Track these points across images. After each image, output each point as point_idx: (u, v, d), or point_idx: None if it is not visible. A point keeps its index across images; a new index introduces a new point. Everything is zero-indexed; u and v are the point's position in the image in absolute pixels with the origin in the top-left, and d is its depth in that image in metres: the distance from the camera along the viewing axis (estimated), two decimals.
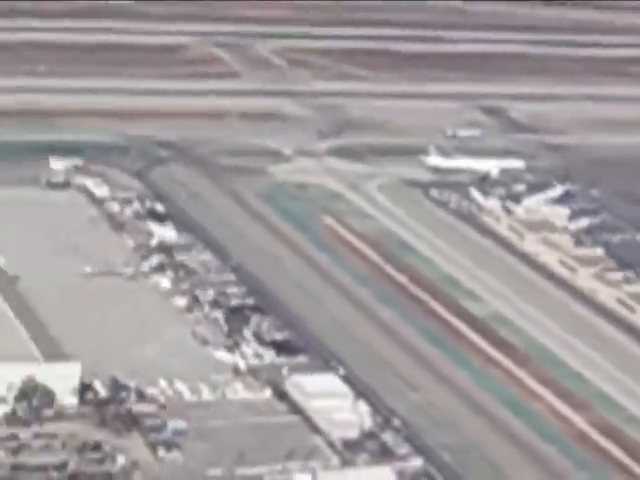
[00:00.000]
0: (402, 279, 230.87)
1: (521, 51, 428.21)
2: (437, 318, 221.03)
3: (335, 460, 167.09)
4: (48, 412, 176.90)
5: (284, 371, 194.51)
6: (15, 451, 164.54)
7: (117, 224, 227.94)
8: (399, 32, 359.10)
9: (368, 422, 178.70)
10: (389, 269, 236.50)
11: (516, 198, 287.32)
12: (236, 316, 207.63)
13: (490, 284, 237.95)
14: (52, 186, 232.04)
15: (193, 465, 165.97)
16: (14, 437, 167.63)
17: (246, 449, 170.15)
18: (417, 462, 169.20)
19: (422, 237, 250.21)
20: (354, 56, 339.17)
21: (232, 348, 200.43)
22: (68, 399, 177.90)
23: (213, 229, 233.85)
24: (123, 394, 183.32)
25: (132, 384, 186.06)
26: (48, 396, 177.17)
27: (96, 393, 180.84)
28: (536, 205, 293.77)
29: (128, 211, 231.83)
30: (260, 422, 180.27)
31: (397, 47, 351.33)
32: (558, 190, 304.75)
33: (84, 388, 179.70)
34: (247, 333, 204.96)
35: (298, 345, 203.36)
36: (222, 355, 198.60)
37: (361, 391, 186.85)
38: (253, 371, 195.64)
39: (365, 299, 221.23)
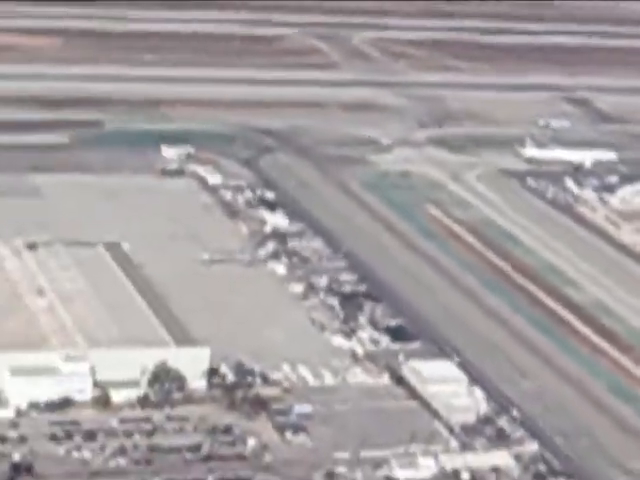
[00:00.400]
0: (506, 267, 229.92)
1: (605, 44, 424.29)
2: (542, 306, 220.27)
3: (454, 444, 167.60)
4: (178, 395, 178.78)
5: (400, 357, 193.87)
6: (150, 433, 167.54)
7: (231, 211, 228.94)
8: (490, 24, 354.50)
9: (484, 407, 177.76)
10: (492, 257, 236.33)
11: (610, 189, 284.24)
12: (350, 303, 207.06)
13: (590, 273, 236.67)
14: (166, 173, 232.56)
15: (320, 448, 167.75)
16: (148, 420, 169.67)
17: (369, 432, 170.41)
18: (533, 446, 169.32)
19: (522, 226, 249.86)
20: (447, 47, 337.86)
21: (349, 334, 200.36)
22: (197, 383, 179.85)
23: (322, 217, 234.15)
24: (249, 378, 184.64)
25: (257, 368, 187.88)
26: (179, 380, 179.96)
27: (223, 377, 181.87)
28: (630, 196, 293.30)
29: (240, 199, 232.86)
30: (380, 407, 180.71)
31: (488, 39, 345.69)
32: None
33: (212, 372, 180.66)
34: (362, 319, 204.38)
35: (411, 332, 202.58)
36: (340, 341, 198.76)
37: (475, 377, 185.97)
38: (370, 356, 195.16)
39: (472, 286, 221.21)
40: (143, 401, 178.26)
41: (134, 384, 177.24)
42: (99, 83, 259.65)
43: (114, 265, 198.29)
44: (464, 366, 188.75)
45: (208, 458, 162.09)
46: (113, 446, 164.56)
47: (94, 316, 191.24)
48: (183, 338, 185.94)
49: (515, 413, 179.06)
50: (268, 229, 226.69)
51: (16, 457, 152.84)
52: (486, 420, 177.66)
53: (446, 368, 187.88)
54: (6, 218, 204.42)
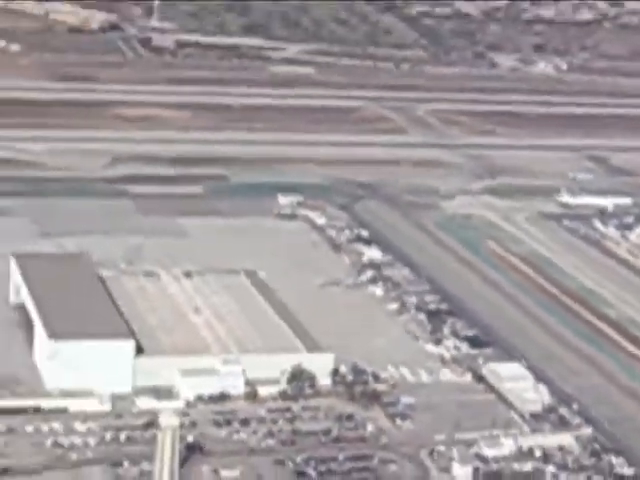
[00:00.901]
0: (553, 289, 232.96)
1: (615, 112, 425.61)
2: (584, 321, 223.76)
3: (526, 428, 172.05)
4: (310, 391, 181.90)
5: (479, 360, 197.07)
6: (291, 420, 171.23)
7: (335, 246, 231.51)
8: (520, 98, 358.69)
9: (547, 400, 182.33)
10: (542, 282, 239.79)
11: (629, 227, 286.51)
12: (435, 318, 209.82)
13: (619, 294, 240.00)
14: (282, 217, 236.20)
15: (423, 431, 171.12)
16: (288, 409, 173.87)
17: (459, 419, 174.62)
18: (588, 430, 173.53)
19: (561, 257, 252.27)
20: (491, 117, 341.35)
21: (437, 342, 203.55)
22: (324, 381, 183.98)
23: (407, 250, 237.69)
24: (364, 377, 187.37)
25: (369, 369, 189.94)
26: (310, 379, 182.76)
27: (344, 376, 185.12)
28: None
29: (342, 236, 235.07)
30: (466, 399, 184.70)
31: (523, 109, 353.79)
32: None
33: (335, 372, 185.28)
34: (446, 331, 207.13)
35: (485, 340, 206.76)
36: (430, 347, 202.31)
37: (539, 376, 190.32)
38: (455, 360, 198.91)
39: (528, 305, 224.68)
40: (283, 395, 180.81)
41: (276, 382, 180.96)
42: (223, 146, 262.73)
43: (253, 289, 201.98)
44: (529, 367, 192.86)
45: (337, 440, 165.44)
46: (263, 430, 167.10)
47: (242, 329, 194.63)
48: (312, 346, 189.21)
49: (574, 406, 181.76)
50: (365, 260, 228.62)
51: (189, 439, 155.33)
52: (549, 409, 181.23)
53: (516, 369, 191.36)
54: (163, 252, 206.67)
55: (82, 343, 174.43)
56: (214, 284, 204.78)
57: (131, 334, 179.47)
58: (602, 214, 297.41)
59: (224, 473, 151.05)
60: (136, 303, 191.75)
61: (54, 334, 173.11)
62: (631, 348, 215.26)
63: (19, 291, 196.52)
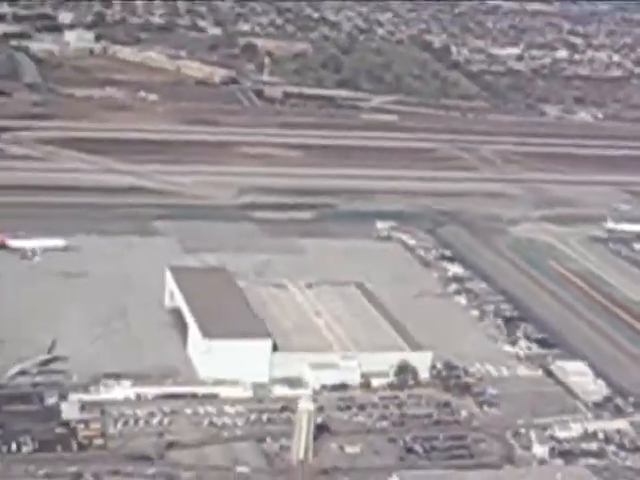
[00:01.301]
0: (605, 301, 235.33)
1: None
2: (633, 328, 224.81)
3: (589, 415, 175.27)
4: (412, 382, 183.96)
5: (549, 359, 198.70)
6: (399, 406, 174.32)
7: (425, 263, 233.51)
8: (566, 141, 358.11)
9: (605, 391, 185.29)
10: (596, 295, 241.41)
11: None
12: (510, 323, 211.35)
13: None
14: (380, 239, 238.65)
15: (506, 416, 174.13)
16: (396, 397, 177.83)
17: (535, 407, 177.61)
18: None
19: (609, 274, 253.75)
20: (542, 156, 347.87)
21: (513, 343, 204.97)
22: (424, 374, 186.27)
23: (483, 267, 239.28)
24: (456, 371, 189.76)
25: (460, 365, 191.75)
26: (413, 372, 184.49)
27: (440, 371, 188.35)
28: None
29: (430, 255, 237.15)
30: (540, 391, 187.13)
31: (567, 151, 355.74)
32: None
33: (433, 367, 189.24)
34: (519, 334, 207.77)
35: (552, 342, 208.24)
36: (507, 348, 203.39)
37: (598, 372, 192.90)
38: (528, 358, 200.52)
39: (586, 314, 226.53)
40: (391, 386, 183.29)
41: (385, 375, 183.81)
42: (329, 179, 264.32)
43: (363, 297, 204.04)
44: (590, 365, 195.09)
45: (437, 422, 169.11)
46: (377, 414, 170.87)
47: (356, 331, 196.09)
48: (414, 345, 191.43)
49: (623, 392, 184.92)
50: (450, 275, 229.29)
51: (319, 420, 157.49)
52: (607, 399, 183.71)
53: (579, 366, 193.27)
54: (287, 267, 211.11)
55: (230, 341, 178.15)
56: (330, 293, 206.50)
57: (268, 334, 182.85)
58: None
59: (348, 449, 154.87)
60: (269, 309, 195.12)
61: (207, 334, 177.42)
62: None
63: (173, 297, 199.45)
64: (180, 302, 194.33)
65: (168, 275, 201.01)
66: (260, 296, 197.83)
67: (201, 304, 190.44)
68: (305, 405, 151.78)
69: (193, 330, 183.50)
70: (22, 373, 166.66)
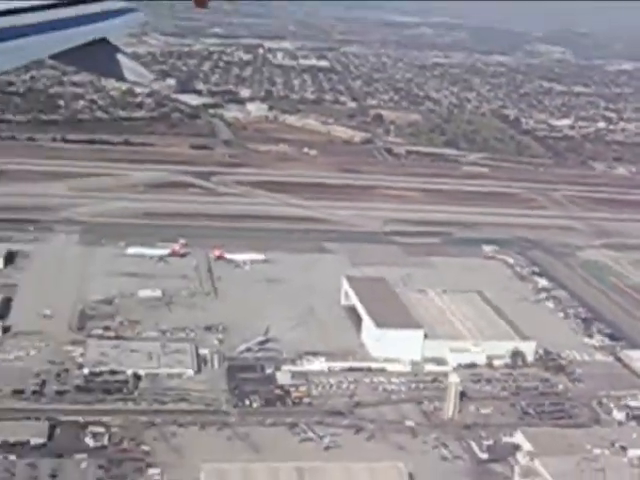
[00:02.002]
0: None
1: None
2: None
3: None
4: (522, 363, 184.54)
5: (617, 348, 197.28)
6: (514, 380, 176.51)
7: (521, 277, 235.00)
8: (613, 189, 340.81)
9: None
10: None
11: None
12: (586, 322, 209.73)
13: None
14: (488, 258, 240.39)
15: (591, 390, 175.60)
16: (511, 374, 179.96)
17: (611, 383, 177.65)
18: None
19: None
20: (597, 200, 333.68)
21: (590, 337, 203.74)
22: (530, 358, 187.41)
23: (563, 281, 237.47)
24: (553, 356, 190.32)
25: (554, 351, 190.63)
26: (523, 356, 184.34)
27: (541, 355, 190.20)
28: None
29: (524, 271, 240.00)
30: (612, 372, 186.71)
31: (616, 196, 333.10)
32: None
33: (535, 353, 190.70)
34: (594, 329, 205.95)
35: (619, 336, 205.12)
36: (587, 340, 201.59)
37: None
38: (602, 348, 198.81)
39: None
40: (507, 366, 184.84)
41: (503, 357, 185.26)
42: (446, 214, 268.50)
43: (483, 302, 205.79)
44: None
45: (542, 393, 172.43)
46: (499, 386, 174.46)
47: (481, 325, 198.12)
48: (523, 336, 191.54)
49: None
50: (540, 286, 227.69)
51: (459, 389, 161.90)
52: None
53: None
54: (424, 279, 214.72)
55: (395, 330, 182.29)
56: (459, 298, 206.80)
57: (420, 326, 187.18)
58: None
59: (482, 410, 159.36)
60: (417, 308, 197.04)
61: (379, 324, 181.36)
62: None
63: (348, 298, 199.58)
64: (355, 301, 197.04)
65: (344, 282, 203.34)
66: (409, 299, 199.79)
67: (370, 303, 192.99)
68: (453, 378, 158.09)
69: (366, 322, 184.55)
70: (247, 350, 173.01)
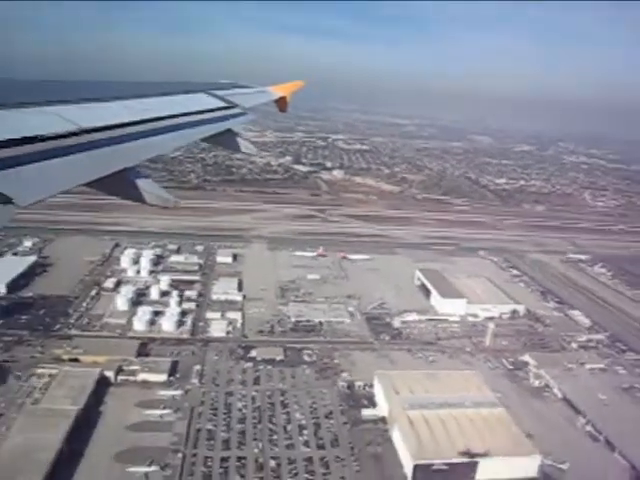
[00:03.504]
0: None
1: None
2: None
3: None
4: (516, 317, 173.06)
5: (565, 308, 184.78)
6: (515, 326, 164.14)
7: (502, 269, 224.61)
8: None
9: None
10: None
11: None
12: (543, 294, 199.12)
13: None
14: (482, 258, 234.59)
15: (555, 332, 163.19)
16: (513, 323, 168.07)
17: (567, 328, 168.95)
18: None
19: None
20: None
21: (547, 301, 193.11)
22: (521, 314, 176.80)
23: (527, 271, 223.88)
24: (531, 313, 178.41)
25: (532, 310, 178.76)
26: (517, 313, 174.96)
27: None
28: None
29: (503, 265, 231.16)
30: (566, 322, 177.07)
31: None
32: None
33: None
34: (548, 298, 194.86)
35: (563, 301, 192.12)
36: (546, 304, 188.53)
37: None
38: (556, 308, 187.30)
39: None
40: (510, 318, 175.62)
41: (506, 313, 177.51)
42: (452, 233, 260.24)
43: (489, 283, 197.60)
44: None
45: (531, 334, 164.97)
46: (508, 329, 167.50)
47: (491, 295, 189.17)
48: (516, 302, 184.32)
49: None
50: (513, 273, 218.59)
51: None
52: None
53: None
54: (453, 269, 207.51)
55: (451, 298, 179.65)
56: (476, 280, 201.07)
57: (463, 296, 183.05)
58: None
59: (503, 342, 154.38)
60: (457, 285, 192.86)
61: (442, 295, 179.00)
62: None
63: (418, 280, 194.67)
64: (424, 282, 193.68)
65: (417, 271, 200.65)
66: (453, 282, 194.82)
67: (434, 283, 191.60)
68: (490, 324, 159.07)
69: (434, 293, 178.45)
70: (373, 308, 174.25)
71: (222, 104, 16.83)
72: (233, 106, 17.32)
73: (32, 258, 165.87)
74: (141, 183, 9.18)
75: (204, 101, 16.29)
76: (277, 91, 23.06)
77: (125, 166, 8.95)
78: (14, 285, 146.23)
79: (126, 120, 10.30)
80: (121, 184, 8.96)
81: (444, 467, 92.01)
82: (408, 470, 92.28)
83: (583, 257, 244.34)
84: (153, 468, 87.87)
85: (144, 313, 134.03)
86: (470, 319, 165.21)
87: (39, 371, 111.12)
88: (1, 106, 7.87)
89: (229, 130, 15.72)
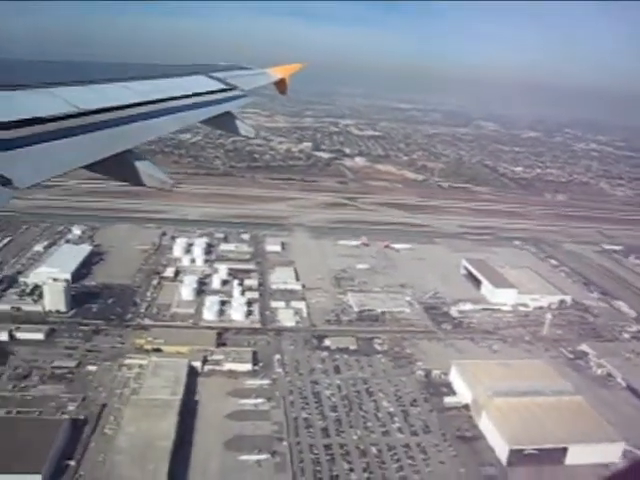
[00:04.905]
0: None
1: None
2: None
3: None
4: (564, 307, 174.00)
5: (608, 298, 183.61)
6: (566, 315, 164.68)
7: (540, 259, 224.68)
8: None
9: None
10: None
11: None
12: (586, 285, 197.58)
13: None
14: (518, 249, 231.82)
15: (605, 322, 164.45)
16: (562, 313, 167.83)
17: (615, 318, 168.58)
18: None
19: None
20: None
21: (591, 292, 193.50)
22: (569, 304, 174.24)
23: (565, 261, 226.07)
24: (578, 304, 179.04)
25: (578, 301, 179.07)
26: (565, 303, 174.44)
27: None
28: None
29: (540, 256, 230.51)
30: (612, 312, 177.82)
31: None
32: None
33: None
34: (591, 288, 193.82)
35: (606, 292, 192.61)
36: (590, 294, 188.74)
37: None
38: (600, 299, 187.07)
39: None
40: (558, 308, 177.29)
41: (554, 303, 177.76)
42: (484, 223, 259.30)
43: (534, 273, 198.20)
44: None
45: (582, 324, 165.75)
46: (560, 319, 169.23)
47: (537, 285, 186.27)
48: (563, 292, 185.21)
49: None
50: (552, 263, 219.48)
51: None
52: None
53: None
54: (494, 259, 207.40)
55: (503, 288, 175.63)
56: (520, 271, 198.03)
57: (514, 286, 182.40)
58: None
59: (557, 331, 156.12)
60: (507, 278, 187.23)
61: (495, 285, 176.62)
62: None
63: (466, 269, 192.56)
64: (473, 272, 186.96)
65: (463, 261, 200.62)
66: (499, 271, 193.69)
67: (483, 273, 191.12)
68: (547, 314, 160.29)
69: (486, 283, 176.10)
70: (429, 298, 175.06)
71: (221, 86, 16.61)
72: (232, 88, 17.12)
73: (87, 247, 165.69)
74: (140, 165, 9.09)
75: (204, 83, 16.04)
76: (276, 73, 22.74)
77: (125, 148, 8.82)
78: (77, 274, 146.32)
79: (126, 102, 10.16)
80: (120, 166, 8.85)
81: (535, 452, 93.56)
82: (502, 455, 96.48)
83: (617, 248, 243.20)
84: (264, 456, 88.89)
85: (212, 303, 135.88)
86: (521, 309, 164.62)
87: (127, 361, 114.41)
88: (1, 87, 7.73)
89: (228, 112, 15.51)
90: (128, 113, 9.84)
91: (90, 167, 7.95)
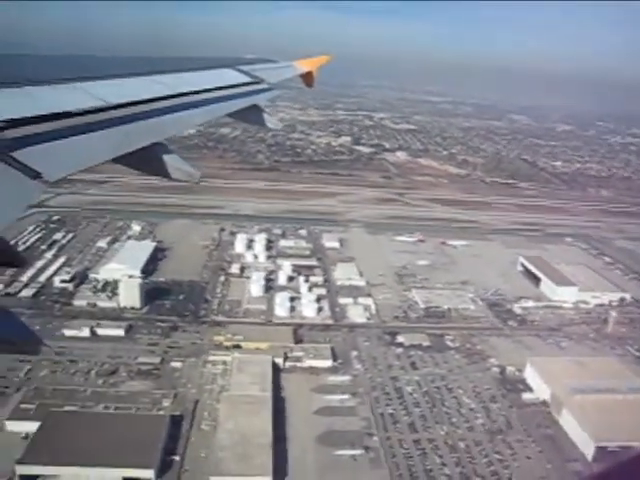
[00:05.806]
0: None
1: None
2: None
3: None
4: (624, 304, 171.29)
5: None
6: (627, 312, 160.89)
7: (593, 256, 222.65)
8: None
9: None
10: None
11: None
12: None
13: None
14: (569, 245, 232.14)
15: None
16: (624, 310, 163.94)
17: None
18: None
19: None
20: None
21: None
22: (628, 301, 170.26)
23: (618, 258, 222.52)
24: (638, 302, 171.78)
25: (638, 299, 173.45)
26: (624, 301, 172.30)
27: None
28: None
29: (593, 252, 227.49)
30: None
31: None
32: None
33: None
34: None
35: None
36: None
37: None
38: None
39: None
40: (618, 305, 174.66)
41: (614, 301, 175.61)
42: (531, 219, 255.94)
43: (590, 270, 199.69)
44: None
45: None
46: (622, 316, 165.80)
47: (595, 283, 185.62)
48: (622, 290, 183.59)
49: None
50: (606, 260, 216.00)
51: None
52: None
53: None
54: (546, 255, 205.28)
55: (565, 286, 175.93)
56: (576, 268, 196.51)
57: (575, 284, 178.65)
58: None
59: (621, 329, 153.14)
60: (563, 273, 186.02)
61: (557, 283, 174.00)
62: None
63: (523, 266, 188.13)
64: (532, 269, 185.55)
65: (520, 258, 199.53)
66: (556, 268, 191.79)
67: (542, 270, 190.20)
68: (612, 312, 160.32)
69: (546, 281, 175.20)
70: (490, 295, 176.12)
71: (248, 79, 16.57)
72: (259, 81, 17.10)
73: (152, 243, 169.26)
74: (167, 158, 9.14)
75: (230, 76, 16.03)
76: (303, 66, 22.68)
77: (152, 141, 8.82)
78: (145, 270, 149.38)
79: (153, 96, 10.19)
80: (148, 159, 8.92)
81: (618, 449, 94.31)
82: (587, 451, 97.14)
83: None
84: (358, 451, 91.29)
85: (283, 299, 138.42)
86: (582, 306, 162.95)
87: (211, 358, 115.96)
88: (30, 82, 7.91)
89: (255, 105, 15.51)
90: (156, 106, 9.96)
91: (118, 160, 8.12)
